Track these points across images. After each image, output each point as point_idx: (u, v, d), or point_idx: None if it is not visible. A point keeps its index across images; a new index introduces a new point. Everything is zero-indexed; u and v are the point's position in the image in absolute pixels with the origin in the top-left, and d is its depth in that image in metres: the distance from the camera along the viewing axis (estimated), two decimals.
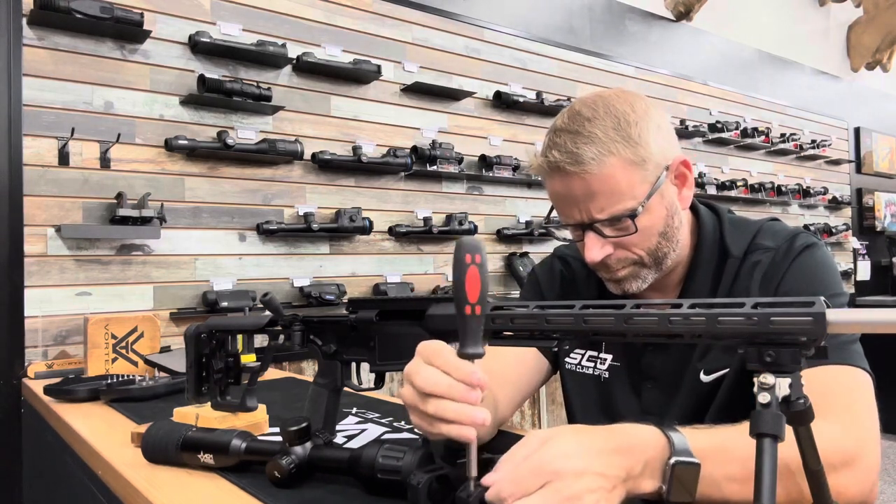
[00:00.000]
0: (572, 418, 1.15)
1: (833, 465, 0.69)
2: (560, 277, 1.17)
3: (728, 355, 0.96)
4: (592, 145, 0.89)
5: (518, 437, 1.02)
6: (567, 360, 1.14)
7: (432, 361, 0.66)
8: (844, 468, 0.73)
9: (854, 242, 5.80)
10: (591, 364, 1.10)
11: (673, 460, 0.66)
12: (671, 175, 0.95)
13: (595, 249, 0.94)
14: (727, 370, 0.96)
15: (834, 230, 5.48)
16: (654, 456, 0.67)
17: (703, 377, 0.98)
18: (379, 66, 2.92)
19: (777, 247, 0.97)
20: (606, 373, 1.08)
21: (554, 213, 1.00)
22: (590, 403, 1.10)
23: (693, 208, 1.05)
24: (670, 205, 0.95)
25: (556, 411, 3.21)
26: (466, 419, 0.62)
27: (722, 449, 0.70)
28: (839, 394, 0.81)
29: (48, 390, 1.51)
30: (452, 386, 0.63)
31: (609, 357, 1.08)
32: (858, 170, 6.09)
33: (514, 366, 1.10)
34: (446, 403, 0.63)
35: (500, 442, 0.98)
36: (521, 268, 3.37)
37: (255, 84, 2.58)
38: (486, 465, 0.64)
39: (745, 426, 0.54)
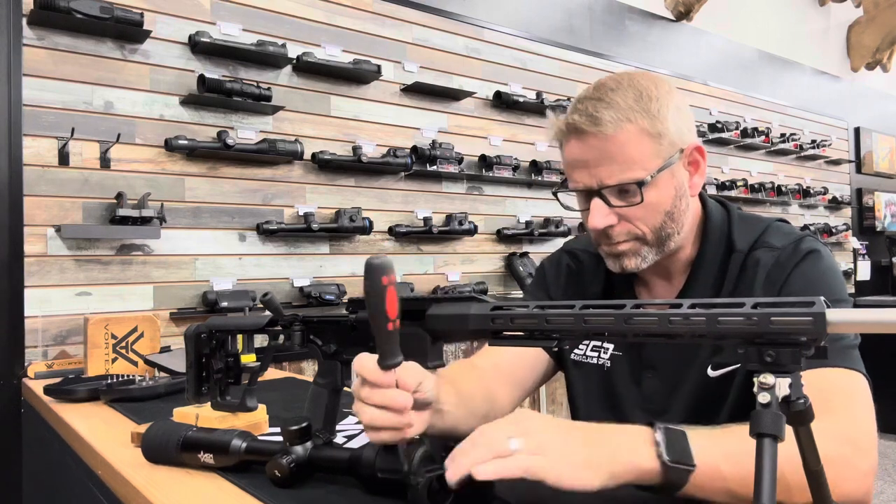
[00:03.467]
0: (574, 407, 1.16)
1: (834, 465, 0.69)
2: (566, 271, 1.18)
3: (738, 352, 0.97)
4: (612, 110, 0.92)
5: None
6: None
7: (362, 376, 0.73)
8: (845, 469, 0.73)
9: (854, 242, 5.80)
10: (595, 354, 1.12)
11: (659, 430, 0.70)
12: (685, 159, 0.97)
13: (599, 216, 0.95)
14: (737, 366, 0.96)
15: (834, 230, 5.48)
16: (631, 440, 0.71)
17: (711, 372, 0.98)
18: (379, 66, 2.92)
19: (783, 247, 0.97)
20: (608, 362, 1.09)
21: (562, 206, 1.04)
22: (592, 393, 1.11)
23: (703, 201, 1.07)
24: (679, 186, 0.97)
25: (557, 411, 3.20)
26: (393, 423, 0.71)
27: (736, 452, 0.69)
28: (839, 396, 0.82)
29: (48, 390, 1.51)
30: (385, 397, 0.71)
31: (611, 346, 1.10)
32: (858, 170, 6.09)
33: (513, 362, 1.11)
34: (373, 412, 0.72)
35: None
36: (521, 268, 3.37)
37: (255, 84, 2.58)
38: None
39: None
